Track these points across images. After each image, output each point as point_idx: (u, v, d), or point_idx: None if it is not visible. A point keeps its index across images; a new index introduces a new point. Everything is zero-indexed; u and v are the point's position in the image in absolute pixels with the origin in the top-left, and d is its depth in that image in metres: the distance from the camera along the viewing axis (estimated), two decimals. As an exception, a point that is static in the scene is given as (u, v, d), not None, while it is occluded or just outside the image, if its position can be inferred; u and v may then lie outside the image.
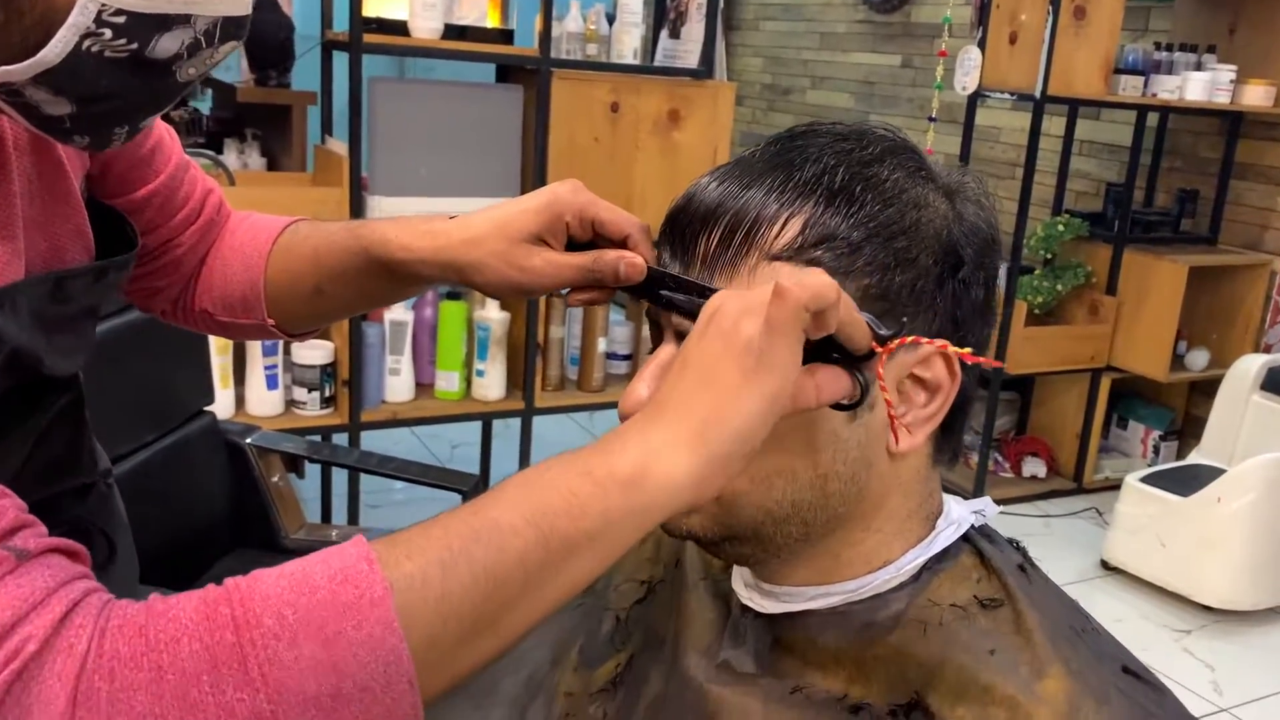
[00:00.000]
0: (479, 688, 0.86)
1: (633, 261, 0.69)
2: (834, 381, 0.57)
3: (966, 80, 3.29)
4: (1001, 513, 3.20)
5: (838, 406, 0.59)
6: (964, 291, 0.63)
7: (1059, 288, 3.43)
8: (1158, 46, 3.35)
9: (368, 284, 0.82)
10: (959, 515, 0.68)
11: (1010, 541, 0.70)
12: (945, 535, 0.67)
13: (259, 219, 0.91)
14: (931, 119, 3.36)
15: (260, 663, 0.44)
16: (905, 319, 0.61)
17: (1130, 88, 3.17)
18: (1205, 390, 3.61)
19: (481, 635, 0.49)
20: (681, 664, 0.70)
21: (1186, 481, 2.94)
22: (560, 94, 2.54)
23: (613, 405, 2.94)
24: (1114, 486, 3.65)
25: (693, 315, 0.59)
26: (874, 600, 0.65)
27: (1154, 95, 3.20)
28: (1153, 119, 3.58)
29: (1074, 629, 0.64)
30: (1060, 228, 3.43)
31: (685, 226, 0.63)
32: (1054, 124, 3.85)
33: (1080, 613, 0.67)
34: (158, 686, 0.43)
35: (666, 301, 0.64)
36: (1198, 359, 3.48)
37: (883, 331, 0.57)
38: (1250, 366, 3.08)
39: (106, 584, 0.49)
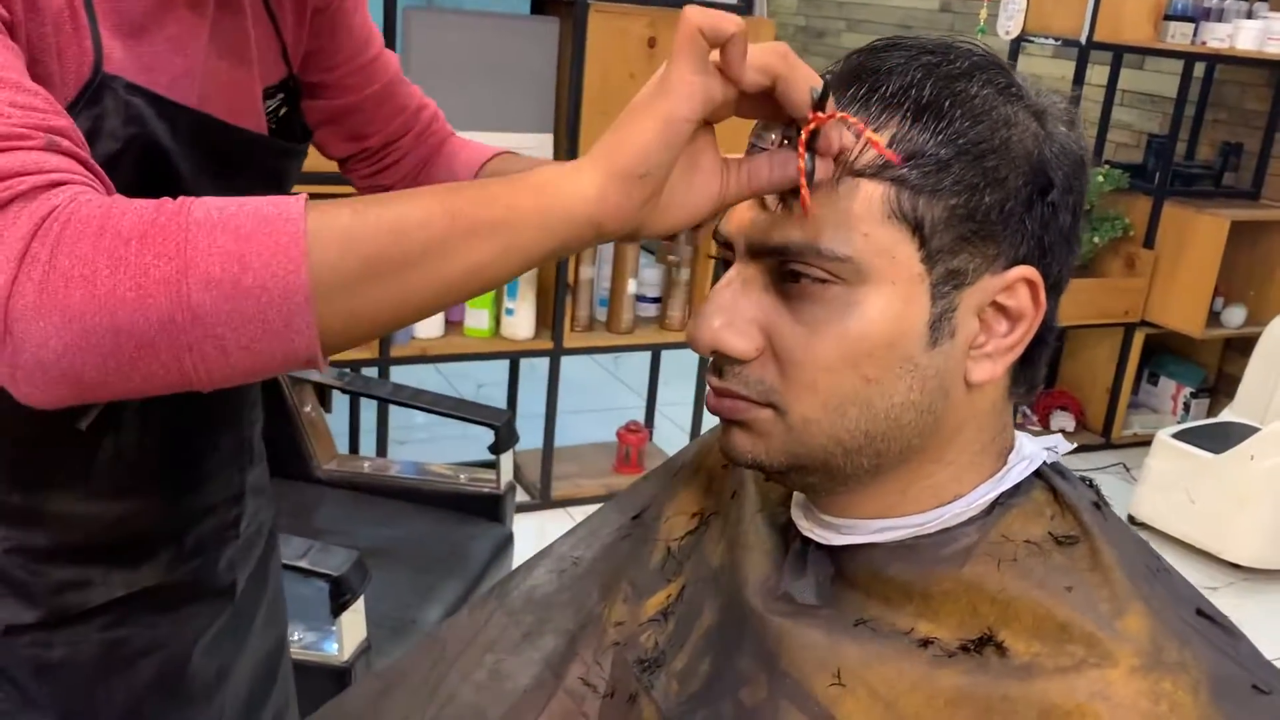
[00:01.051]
0: (533, 621, 0.86)
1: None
2: (784, 164, 0.58)
3: (1010, 24, 3.22)
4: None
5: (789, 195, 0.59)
6: (1052, 215, 0.60)
7: (1095, 240, 3.37)
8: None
9: None
10: (1031, 451, 0.66)
11: (1082, 479, 0.68)
12: (1017, 470, 0.65)
13: (479, 144, 1.03)
14: (973, 63, 3.28)
15: (180, 242, 0.52)
16: (993, 242, 0.59)
17: (1180, 35, 3.09)
18: (1240, 348, 3.57)
19: (378, 280, 0.55)
20: (741, 595, 0.69)
21: (1219, 438, 2.91)
22: (597, 27, 2.49)
23: (640, 348, 2.94)
24: (1143, 443, 3.63)
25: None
26: (942, 534, 0.64)
27: (1204, 43, 3.12)
28: (1199, 69, 3.49)
29: (1149, 568, 0.62)
30: (1100, 179, 3.36)
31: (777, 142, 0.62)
32: (1095, 73, 3.76)
33: (1153, 552, 0.65)
34: (96, 240, 0.51)
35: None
36: (1234, 316, 3.43)
37: (816, 94, 0.56)
38: (1288, 324, 3.03)
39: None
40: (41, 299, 0.51)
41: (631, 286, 2.78)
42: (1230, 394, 3.39)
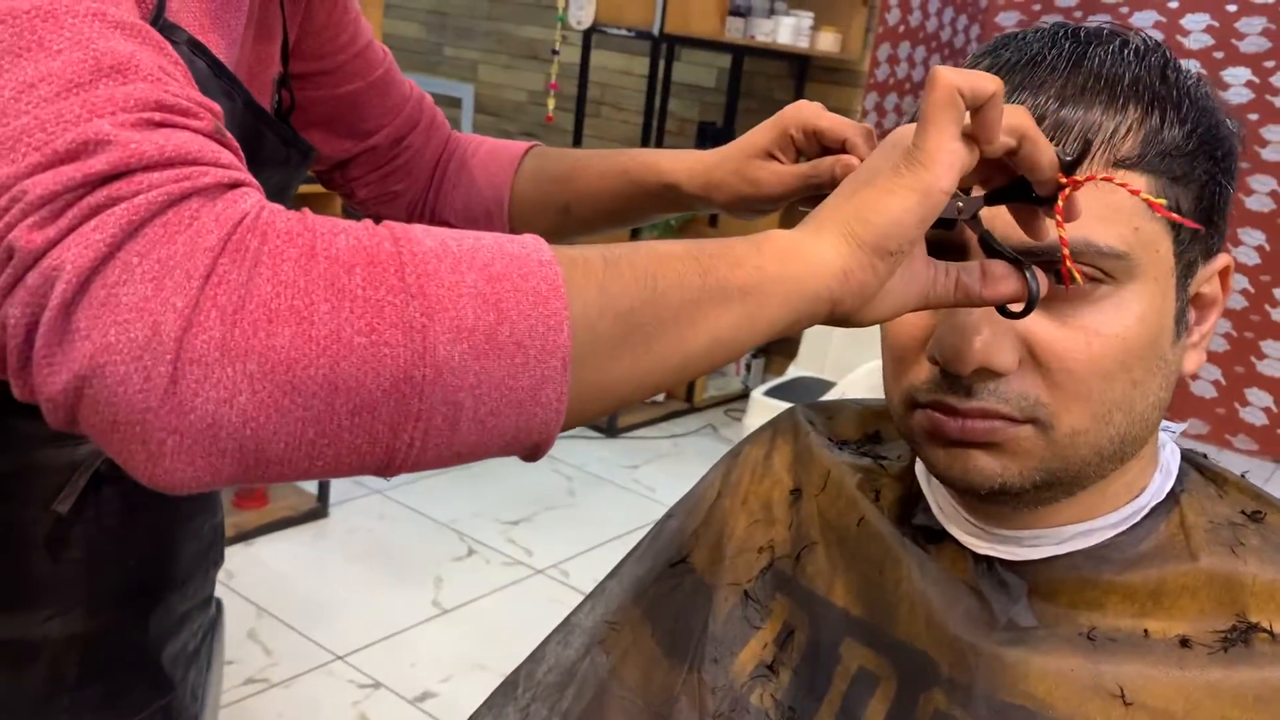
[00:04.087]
0: (585, 708, 0.72)
1: (847, 163, 0.70)
2: (1002, 280, 0.54)
3: (582, 15, 3.31)
4: (634, 437, 3.33)
5: (1009, 314, 0.55)
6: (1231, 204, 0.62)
7: (671, 221, 3.60)
8: (741, -8, 3.59)
9: (620, 204, 0.85)
10: (1160, 436, 0.68)
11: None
12: (1170, 455, 0.66)
13: (497, 140, 0.94)
14: (555, 52, 3.33)
15: (419, 274, 0.40)
16: (1215, 231, 0.60)
17: (734, 29, 3.38)
18: (785, 310, 4.02)
19: (629, 346, 0.45)
20: (941, 631, 0.63)
21: (801, 392, 3.26)
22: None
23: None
24: (719, 403, 3.97)
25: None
26: (1135, 530, 0.63)
27: (752, 37, 3.44)
28: (725, 60, 3.86)
29: None
30: (670, 163, 3.59)
31: None
32: (636, 63, 4.01)
33: None
34: (308, 264, 0.39)
35: None
36: (785, 282, 3.85)
37: (1069, 158, 0.52)
38: (836, 287, 3.47)
39: None
40: (233, 337, 0.37)
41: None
42: (781, 353, 3.81)
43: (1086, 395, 0.56)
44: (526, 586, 2.62)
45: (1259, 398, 3.94)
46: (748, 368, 4.06)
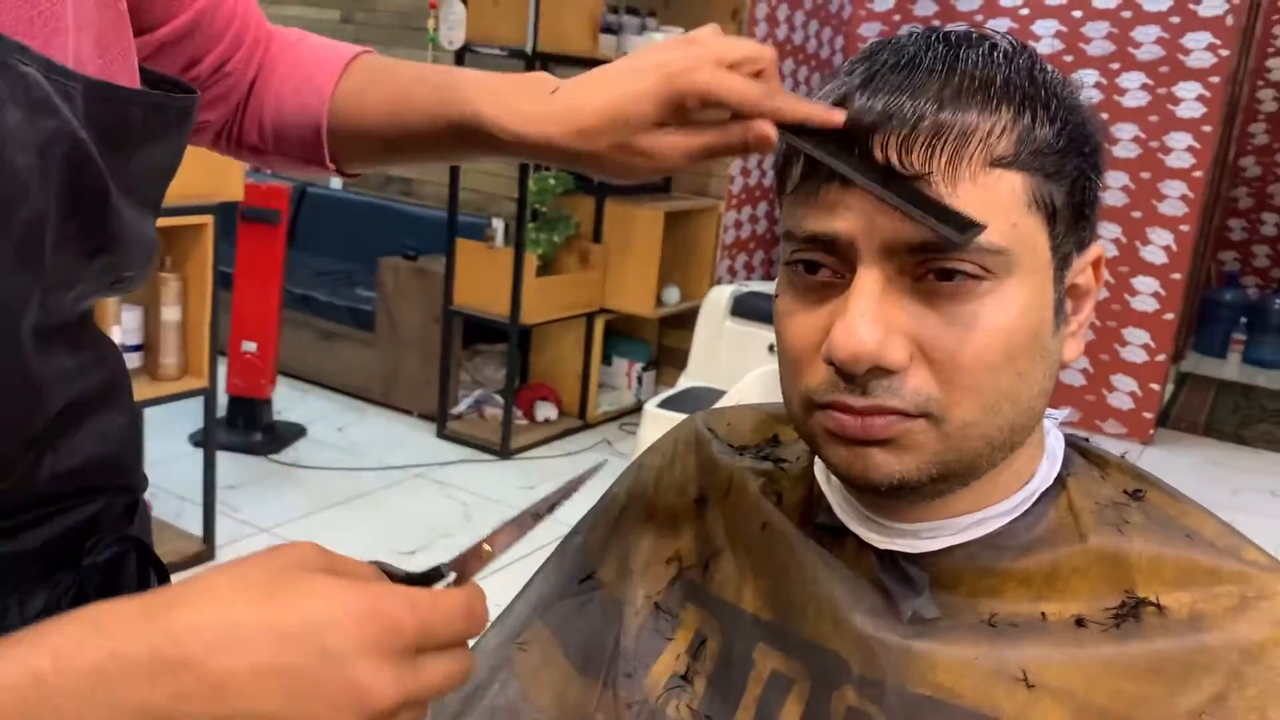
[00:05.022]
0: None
1: (761, 134, 0.64)
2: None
3: (453, 35, 3.29)
4: (529, 458, 3.30)
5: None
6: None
7: (555, 239, 3.59)
8: (613, 10, 3.62)
9: (452, 152, 0.76)
10: (1045, 423, 0.70)
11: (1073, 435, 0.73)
12: (1055, 441, 0.68)
13: (312, 47, 0.79)
14: (428, 73, 3.29)
15: None
16: (1087, 224, 0.62)
17: (607, 47, 3.40)
18: (671, 323, 4.06)
19: None
20: (846, 628, 0.64)
21: (693, 403, 3.28)
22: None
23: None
24: (613, 418, 3.97)
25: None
26: (1026, 517, 0.65)
27: (625, 54, 3.46)
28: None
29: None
30: (551, 181, 3.59)
31: (879, 146, 0.57)
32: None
33: None
34: None
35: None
36: (671, 295, 3.88)
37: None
38: (721, 296, 3.51)
39: None
40: None
41: (116, 334, 2.35)
42: (671, 365, 3.83)
43: (975, 388, 0.58)
44: (427, 616, 2.56)
45: (1124, 383, 4.13)
46: (639, 381, 4.08)
